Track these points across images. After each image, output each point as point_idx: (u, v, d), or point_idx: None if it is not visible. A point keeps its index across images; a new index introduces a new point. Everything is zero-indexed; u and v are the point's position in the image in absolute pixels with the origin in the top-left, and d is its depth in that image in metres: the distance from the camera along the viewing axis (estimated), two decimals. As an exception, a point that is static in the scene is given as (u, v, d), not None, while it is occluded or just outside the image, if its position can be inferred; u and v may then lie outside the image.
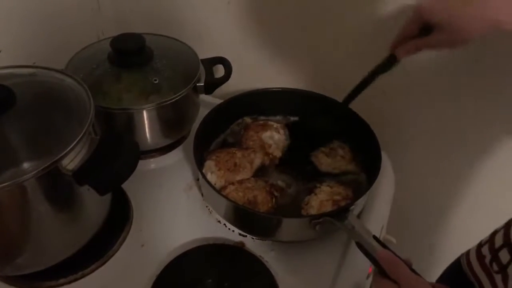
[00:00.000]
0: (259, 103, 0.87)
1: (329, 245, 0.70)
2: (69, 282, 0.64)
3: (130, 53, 0.76)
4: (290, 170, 0.79)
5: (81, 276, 0.65)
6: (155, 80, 0.76)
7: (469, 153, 0.89)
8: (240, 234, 0.71)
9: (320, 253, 0.69)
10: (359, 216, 0.73)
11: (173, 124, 0.82)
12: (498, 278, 0.57)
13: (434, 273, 0.77)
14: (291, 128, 0.86)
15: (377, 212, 0.75)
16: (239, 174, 0.76)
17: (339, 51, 0.88)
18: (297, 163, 0.81)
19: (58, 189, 0.55)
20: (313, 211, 0.70)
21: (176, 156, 0.85)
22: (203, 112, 0.81)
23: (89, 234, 0.64)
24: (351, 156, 0.81)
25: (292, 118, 0.89)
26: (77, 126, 0.55)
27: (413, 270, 0.49)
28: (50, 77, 0.63)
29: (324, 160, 0.80)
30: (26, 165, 0.52)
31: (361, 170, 0.79)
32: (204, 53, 0.83)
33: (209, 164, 0.76)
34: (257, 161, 0.79)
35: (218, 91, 0.82)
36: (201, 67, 0.81)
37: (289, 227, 0.68)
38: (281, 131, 0.85)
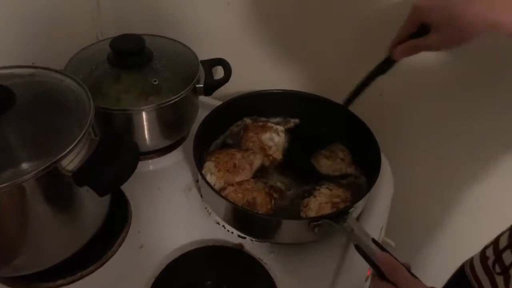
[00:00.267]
0: (259, 104, 0.87)
1: (328, 248, 0.70)
2: (68, 284, 0.64)
3: (129, 54, 0.76)
4: (289, 172, 0.79)
5: (79, 278, 0.65)
6: (155, 81, 0.76)
7: (469, 155, 0.89)
8: (239, 236, 0.71)
9: (319, 256, 0.69)
10: (358, 218, 0.73)
11: (172, 125, 0.81)
12: (499, 279, 0.57)
13: (433, 276, 0.77)
14: (291, 130, 0.86)
15: (376, 215, 0.75)
16: (238, 175, 0.76)
17: (339, 52, 0.88)
18: (296, 165, 0.81)
19: (57, 190, 0.55)
20: (312, 214, 0.70)
21: (175, 157, 0.85)
22: (202, 114, 0.81)
23: (87, 235, 0.64)
24: (350, 158, 0.81)
25: (292, 120, 0.89)
26: (76, 127, 0.55)
27: (411, 273, 0.49)
28: (49, 78, 0.63)
29: (324, 163, 0.80)
30: (25, 165, 0.52)
31: (361, 173, 0.79)
32: (204, 55, 0.83)
33: (209, 165, 0.76)
34: (257, 162, 0.79)
35: (217, 92, 0.82)
36: (201, 69, 0.81)
37: (288, 229, 0.68)
38: (281, 133, 0.85)
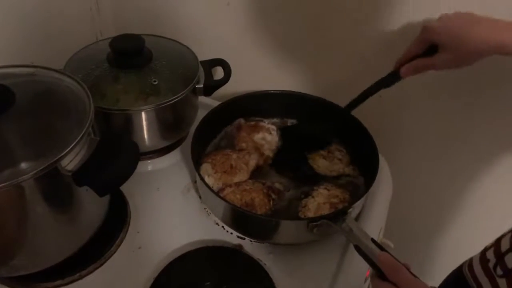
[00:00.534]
0: (258, 105, 0.87)
1: (326, 248, 0.70)
2: (66, 284, 0.64)
3: (129, 54, 0.76)
4: (287, 172, 0.80)
5: (78, 278, 0.65)
6: (154, 81, 0.76)
7: (467, 156, 0.90)
8: (238, 237, 0.71)
9: (318, 256, 0.69)
10: (356, 219, 0.73)
11: (171, 125, 0.81)
12: (502, 282, 0.57)
13: (433, 277, 0.77)
14: (288, 131, 0.86)
15: (375, 215, 0.75)
16: (236, 176, 0.76)
17: (339, 54, 0.89)
18: (294, 166, 0.81)
19: (57, 190, 0.55)
20: (310, 214, 0.70)
21: (174, 158, 0.85)
22: (201, 114, 0.81)
23: (86, 236, 0.64)
24: (348, 159, 0.81)
25: (290, 121, 0.89)
26: (76, 127, 0.55)
27: (412, 274, 0.49)
28: (49, 77, 0.63)
29: (321, 163, 0.80)
30: (24, 165, 0.52)
31: (359, 173, 0.79)
32: (204, 55, 0.83)
33: (206, 167, 0.76)
34: (253, 162, 0.79)
35: (216, 93, 0.82)
36: (201, 69, 0.81)
37: (287, 229, 0.69)
38: (273, 132, 0.85)
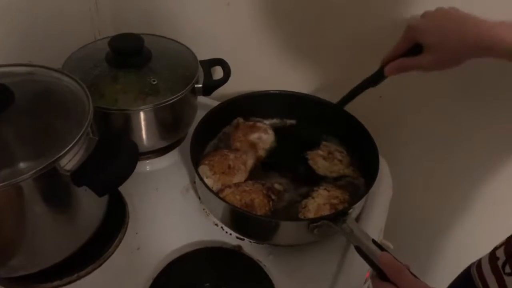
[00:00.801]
0: (257, 105, 0.87)
1: (326, 250, 0.70)
2: (64, 284, 0.64)
3: (128, 53, 0.75)
4: (287, 173, 0.79)
5: (76, 278, 0.64)
6: (153, 81, 0.76)
7: (467, 157, 0.90)
8: (237, 238, 0.71)
9: (318, 258, 0.69)
10: (356, 220, 0.73)
11: (170, 125, 0.81)
12: (509, 280, 0.57)
13: (432, 278, 0.77)
14: (287, 131, 0.86)
15: (375, 216, 0.75)
16: (234, 176, 0.76)
17: (339, 54, 0.89)
18: (294, 166, 0.81)
19: (55, 189, 0.55)
20: (310, 215, 0.70)
21: (173, 158, 0.85)
22: (201, 114, 0.81)
23: (85, 236, 0.63)
24: (348, 160, 0.81)
25: (289, 121, 0.89)
26: (74, 126, 0.54)
27: (412, 274, 0.49)
28: (48, 77, 0.62)
29: (321, 164, 0.80)
30: (23, 164, 0.51)
31: (359, 174, 0.79)
32: (203, 55, 0.83)
33: (204, 169, 0.76)
34: (250, 162, 0.79)
35: (215, 92, 0.82)
36: (200, 69, 0.81)
37: (288, 230, 0.68)
38: (269, 131, 0.85)
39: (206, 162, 0.77)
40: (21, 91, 0.55)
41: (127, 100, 0.74)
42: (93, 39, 0.94)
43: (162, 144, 0.83)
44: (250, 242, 0.71)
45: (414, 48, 0.64)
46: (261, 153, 0.82)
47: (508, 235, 0.63)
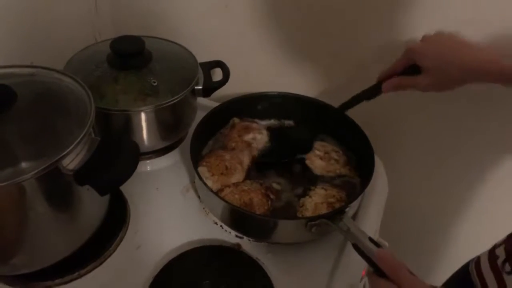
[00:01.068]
0: (256, 106, 0.88)
1: (324, 248, 0.71)
2: (66, 282, 0.64)
3: (130, 55, 0.76)
4: (284, 173, 0.80)
5: (77, 277, 0.65)
6: (154, 82, 0.77)
7: (463, 157, 0.90)
8: (236, 236, 0.72)
9: (316, 255, 0.70)
10: (352, 218, 0.74)
11: (170, 126, 0.82)
12: (508, 278, 0.58)
13: (428, 276, 0.78)
14: (286, 132, 0.87)
15: (370, 215, 0.76)
16: (232, 176, 0.77)
17: (338, 58, 0.89)
18: (291, 166, 0.82)
19: (58, 189, 0.55)
20: (308, 214, 0.71)
21: (173, 158, 0.85)
22: (200, 115, 0.81)
23: (86, 235, 0.64)
24: (345, 159, 0.82)
25: (287, 122, 0.90)
26: (76, 127, 0.55)
27: (409, 271, 0.50)
28: (50, 77, 0.63)
29: (318, 164, 0.81)
30: (25, 164, 0.52)
31: (355, 174, 0.80)
32: (203, 56, 0.84)
33: (202, 170, 0.76)
34: (246, 161, 0.80)
35: (215, 94, 0.83)
36: (200, 70, 0.82)
37: (286, 229, 0.69)
38: (264, 131, 0.86)
39: (204, 163, 0.77)
40: (23, 91, 0.55)
41: (127, 101, 0.75)
42: (94, 41, 0.95)
43: (162, 144, 0.84)
44: (249, 240, 0.71)
45: (412, 68, 0.66)
46: (255, 153, 0.83)
47: (508, 233, 0.63)
